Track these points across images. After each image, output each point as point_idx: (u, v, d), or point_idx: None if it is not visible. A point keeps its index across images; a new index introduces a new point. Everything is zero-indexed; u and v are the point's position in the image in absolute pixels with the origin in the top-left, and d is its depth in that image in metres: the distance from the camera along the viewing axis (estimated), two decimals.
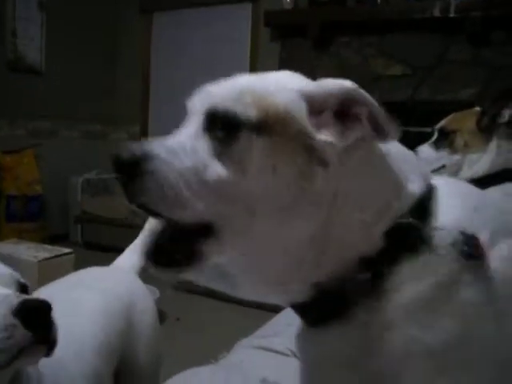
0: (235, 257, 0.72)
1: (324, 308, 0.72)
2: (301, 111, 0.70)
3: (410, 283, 0.67)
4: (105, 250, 4.09)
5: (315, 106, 0.71)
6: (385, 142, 0.72)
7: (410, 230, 0.69)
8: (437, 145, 1.98)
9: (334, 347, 0.71)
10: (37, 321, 0.88)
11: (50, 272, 2.77)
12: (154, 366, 1.60)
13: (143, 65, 5.67)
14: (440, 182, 0.78)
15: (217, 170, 0.68)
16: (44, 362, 1.07)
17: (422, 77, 3.99)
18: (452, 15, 3.72)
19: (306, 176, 0.68)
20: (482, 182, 1.52)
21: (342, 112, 0.70)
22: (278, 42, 4.62)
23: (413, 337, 0.66)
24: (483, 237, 0.70)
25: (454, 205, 0.74)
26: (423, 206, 0.72)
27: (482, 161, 1.66)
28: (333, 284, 0.70)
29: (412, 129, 4.00)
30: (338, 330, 0.70)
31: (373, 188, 0.72)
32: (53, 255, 3.04)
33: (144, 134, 5.70)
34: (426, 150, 1.99)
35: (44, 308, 0.90)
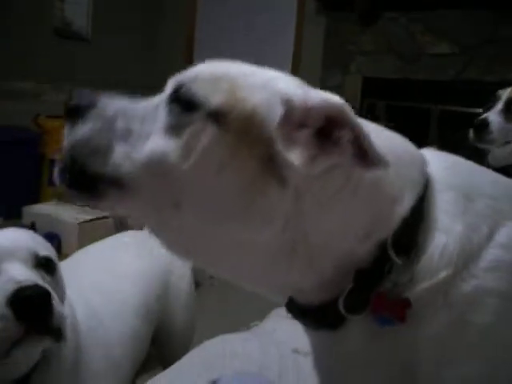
0: (179, 247, 0.70)
1: (318, 316, 0.69)
2: (273, 117, 0.62)
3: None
4: None
5: (295, 117, 0.62)
6: (368, 172, 0.62)
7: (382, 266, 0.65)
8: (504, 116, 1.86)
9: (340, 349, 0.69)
10: (31, 311, 0.84)
11: (90, 234, 2.84)
12: (189, 331, 1.64)
13: (188, 35, 5.66)
14: (438, 170, 0.70)
15: (159, 142, 0.64)
16: (83, 319, 1.09)
17: (470, 56, 3.89)
18: None
19: (256, 187, 0.62)
20: None
21: (324, 132, 0.61)
22: (324, 14, 4.55)
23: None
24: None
25: (446, 208, 0.67)
26: (408, 229, 0.65)
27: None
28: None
29: (458, 109, 3.95)
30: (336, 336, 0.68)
31: (346, 221, 0.65)
32: (94, 217, 3.11)
33: None
34: (496, 119, 1.87)
35: (40, 297, 0.86)
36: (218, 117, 0.62)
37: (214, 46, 5.31)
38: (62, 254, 2.04)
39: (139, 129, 0.67)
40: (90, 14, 4.94)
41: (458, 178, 0.71)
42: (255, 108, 0.63)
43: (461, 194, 0.68)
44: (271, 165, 0.62)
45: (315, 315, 0.70)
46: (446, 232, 0.65)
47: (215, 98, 0.63)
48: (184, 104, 0.65)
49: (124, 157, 0.65)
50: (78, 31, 4.91)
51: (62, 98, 4.81)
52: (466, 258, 0.64)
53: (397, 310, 0.63)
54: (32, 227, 2.84)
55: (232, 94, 0.64)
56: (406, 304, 0.63)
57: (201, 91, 0.64)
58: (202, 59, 0.71)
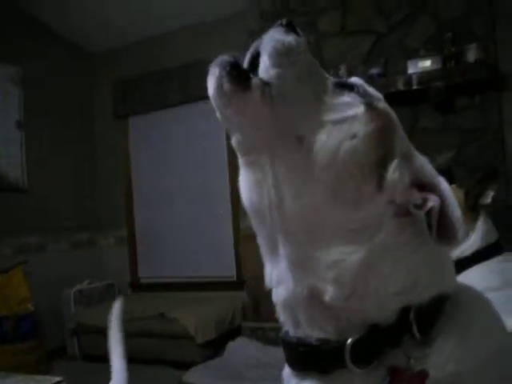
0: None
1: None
2: (399, 142, 0.74)
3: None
4: (105, 361, 3.97)
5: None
6: (445, 246, 0.71)
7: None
8: None
9: None
10: None
11: None
12: None
13: (123, 168, 5.77)
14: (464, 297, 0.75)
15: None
16: None
17: None
18: (415, 87, 3.89)
19: (362, 171, 0.68)
20: (469, 260, 1.51)
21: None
22: None
23: None
24: None
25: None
26: (433, 308, 0.70)
27: (472, 239, 1.60)
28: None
29: None
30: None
31: (396, 269, 0.69)
32: None
33: (131, 237, 5.71)
34: None
35: None
36: (371, 107, 0.72)
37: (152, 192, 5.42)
38: None
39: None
40: (25, 164, 4.98)
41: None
42: (396, 123, 0.76)
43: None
44: (381, 169, 0.69)
45: (315, 352, 0.70)
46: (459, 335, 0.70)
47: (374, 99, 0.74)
48: (350, 88, 0.74)
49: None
50: (13, 182, 4.91)
51: (5, 252, 4.72)
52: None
53: (416, 382, 0.65)
54: None
55: (387, 109, 0.75)
56: (425, 376, 0.65)
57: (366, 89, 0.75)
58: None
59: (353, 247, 0.67)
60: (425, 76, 3.87)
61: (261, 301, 4.12)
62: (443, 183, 0.71)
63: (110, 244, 5.82)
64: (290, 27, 0.76)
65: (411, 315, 0.67)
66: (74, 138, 5.60)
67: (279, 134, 0.68)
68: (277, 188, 0.69)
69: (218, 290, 5.05)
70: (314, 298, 0.69)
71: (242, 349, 4.01)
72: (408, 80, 3.92)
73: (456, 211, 0.68)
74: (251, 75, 0.69)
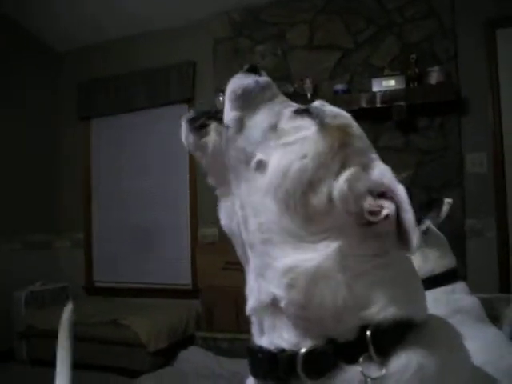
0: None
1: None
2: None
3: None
4: (54, 366, 3.89)
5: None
6: (404, 251, 0.72)
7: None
8: None
9: None
10: None
11: None
12: None
13: (83, 170, 5.68)
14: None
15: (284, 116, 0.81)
16: None
17: None
18: (379, 105, 3.95)
19: (315, 185, 0.72)
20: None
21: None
22: None
23: None
24: None
25: None
26: (392, 331, 0.69)
27: (421, 265, 1.55)
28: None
29: None
30: None
31: (359, 286, 0.69)
32: None
33: (88, 240, 5.62)
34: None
35: None
36: (323, 126, 0.77)
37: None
38: None
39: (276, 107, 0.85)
40: None
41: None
42: (358, 133, 0.82)
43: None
44: (332, 182, 0.72)
45: (272, 361, 0.71)
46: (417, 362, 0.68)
47: (328, 119, 0.78)
48: (307, 112, 0.80)
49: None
50: None
51: None
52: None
53: None
54: None
55: (342, 125, 0.80)
56: None
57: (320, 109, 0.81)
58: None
59: (308, 255, 0.69)
60: (388, 95, 3.94)
61: (215, 311, 4.09)
62: (400, 189, 0.71)
63: (65, 246, 5.72)
64: (251, 70, 0.87)
65: (368, 334, 0.67)
66: (34, 137, 5.48)
67: (240, 162, 0.79)
68: (242, 210, 0.78)
69: (173, 297, 5.00)
70: (275, 306, 0.71)
71: (193, 358, 3.96)
72: (372, 98, 3.98)
73: (410, 215, 0.68)
74: (208, 122, 0.84)
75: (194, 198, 4.98)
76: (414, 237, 0.67)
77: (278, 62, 4.61)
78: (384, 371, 0.66)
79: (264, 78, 0.86)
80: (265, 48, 4.65)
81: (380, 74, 4.15)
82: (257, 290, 0.75)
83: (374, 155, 0.79)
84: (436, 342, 0.71)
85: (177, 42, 5.07)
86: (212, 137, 0.83)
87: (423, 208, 1.61)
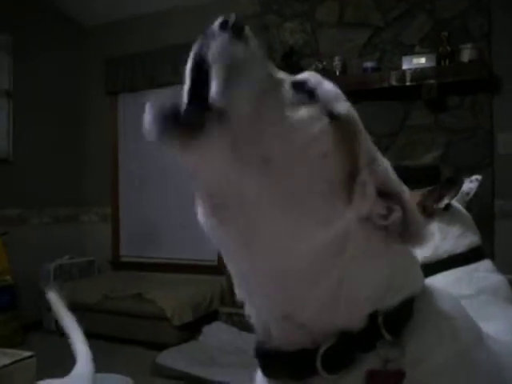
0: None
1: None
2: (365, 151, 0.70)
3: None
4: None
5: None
6: (410, 246, 0.73)
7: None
8: None
9: None
10: None
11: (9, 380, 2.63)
12: None
13: (111, 145, 5.73)
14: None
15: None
16: None
17: (386, 144, 4.10)
18: (408, 83, 3.89)
19: (331, 185, 0.65)
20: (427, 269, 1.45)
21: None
22: None
23: None
24: None
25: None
26: (403, 311, 0.71)
27: (446, 242, 1.52)
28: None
29: None
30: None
31: (367, 276, 0.69)
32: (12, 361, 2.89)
33: (115, 215, 5.69)
34: None
35: None
36: (335, 118, 0.67)
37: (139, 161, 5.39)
38: None
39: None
40: (11, 135, 4.93)
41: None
42: (360, 128, 0.70)
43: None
44: (350, 181, 0.66)
45: (289, 362, 0.70)
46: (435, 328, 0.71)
47: (335, 106, 0.69)
48: (309, 93, 0.68)
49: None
50: None
51: None
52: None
53: (392, 382, 0.66)
54: None
55: (349, 114, 0.70)
56: (401, 375, 0.66)
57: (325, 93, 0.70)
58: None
59: (327, 264, 0.66)
60: (418, 73, 3.87)
61: None
62: (406, 193, 0.71)
63: (92, 221, 5.79)
64: (237, 31, 0.68)
65: (379, 319, 0.68)
66: (62, 112, 5.54)
67: (243, 158, 0.62)
68: (249, 217, 0.64)
69: (199, 273, 5.05)
70: (285, 318, 0.69)
71: (217, 333, 4.01)
72: (401, 76, 3.91)
73: (418, 218, 0.69)
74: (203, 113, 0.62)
75: None
76: (423, 235, 0.69)
77: (307, 39, 4.55)
78: (402, 350, 0.67)
79: (255, 43, 0.67)
80: (294, 25, 4.59)
81: (410, 51, 4.07)
82: (268, 300, 0.70)
83: (374, 147, 0.73)
84: (440, 310, 0.74)
85: (204, 19, 4.97)
86: (211, 130, 0.63)
87: (442, 187, 1.57)
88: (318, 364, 0.67)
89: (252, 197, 0.63)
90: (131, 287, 4.63)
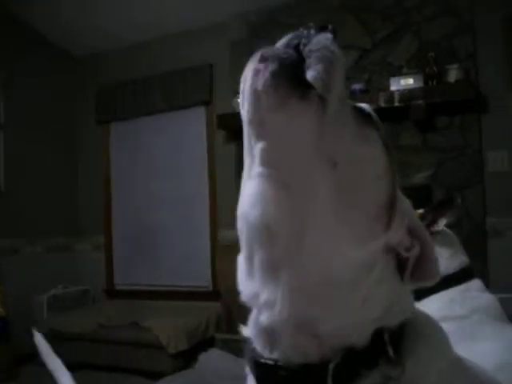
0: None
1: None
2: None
3: None
4: (74, 368, 3.92)
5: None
6: (420, 285, 0.76)
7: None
8: None
9: None
10: None
11: None
12: None
13: (104, 174, 5.73)
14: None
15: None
16: None
17: None
18: (397, 104, 3.92)
19: (379, 218, 0.68)
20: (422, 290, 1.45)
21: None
22: (233, 143, 4.72)
23: None
24: None
25: None
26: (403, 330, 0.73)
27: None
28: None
29: None
30: None
31: (383, 295, 0.71)
32: None
33: (109, 243, 5.67)
34: None
35: None
36: (387, 146, 0.72)
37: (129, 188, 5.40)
38: None
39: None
40: (3, 166, 4.92)
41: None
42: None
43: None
44: (391, 210, 0.70)
45: (295, 376, 0.68)
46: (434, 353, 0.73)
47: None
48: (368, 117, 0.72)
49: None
50: None
51: None
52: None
53: None
54: None
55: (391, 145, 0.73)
56: None
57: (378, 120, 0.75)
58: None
59: (359, 281, 0.67)
60: (406, 94, 3.90)
61: (235, 312, 4.10)
62: (427, 233, 0.76)
63: (86, 250, 5.77)
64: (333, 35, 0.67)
65: (385, 337, 0.69)
66: (55, 142, 5.55)
67: (319, 154, 0.62)
68: (303, 213, 0.63)
69: (194, 299, 5.02)
70: (302, 326, 0.67)
71: (214, 360, 3.97)
72: (390, 97, 3.95)
73: (435, 254, 0.75)
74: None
75: (214, 200, 4.99)
76: (436, 274, 0.75)
77: None
78: (402, 368, 0.68)
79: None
80: None
81: (398, 72, 4.12)
82: (285, 307, 0.66)
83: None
84: (427, 331, 0.76)
85: (194, 45, 5.09)
86: (313, 108, 0.61)
87: (440, 207, 1.59)
88: (329, 380, 0.66)
89: (312, 192, 0.63)
90: (126, 315, 4.59)
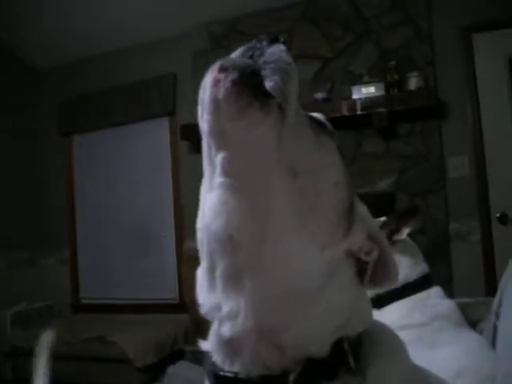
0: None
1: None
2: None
3: None
4: None
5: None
6: (379, 288, 0.78)
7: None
8: None
9: None
10: None
11: None
12: None
13: (67, 187, 5.64)
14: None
15: None
16: None
17: None
18: (359, 112, 3.96)
19: (339, 224, 0.70)
20: (383, 298, 1.46)
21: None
22: (197, 153, 4.68)
23: None
24: None
25: None
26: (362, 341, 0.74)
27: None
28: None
29: None
30: None
31: (343, 301, 0.71)
32: None
33: (73, 257, 5.58)
34: None
35: None
36: (341, 153, 0.75)
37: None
38: None
39: None
40: None
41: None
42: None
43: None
44: (349, 214, 0.72)
45: None
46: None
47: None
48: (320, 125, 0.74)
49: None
50: None
51: None
52: None
53: None
54: None
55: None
56: None
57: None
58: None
59: (320, 288, 0.67)
60: (368, 102, 3.95)
61: (203, 324, 4.06)
62: (384, 238, 0.78)
63: (50, 264, 5.66)
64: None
65: (345, 346, 0.68)
66: (16, 154, 5.44)
67: (279, 162, 0.63)
68: (265, 221, 0.63)
69: (161, 312, 4.97)
70: (264, 336, 0.67)
71: (183, 373, 3.93)
72: (352, 105, 3.99)
73: (393, 258, 0.77)
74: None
75: (178, 211, 4.95)
76: (395, 277, 0.77)
77: None
78: (362, 377, 0.69)
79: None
80: None
81: (359, 81, 4.16)
82: (248, 317, 0.66)
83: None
84: (385, 341, 0.77)
85: (156, 56, 5.06)
86: (273, 117, 0.62)
87: (403, 216, 1.61)
88: None
89: (273, 201, 0.63)
90: (92, 330, 4.51)
